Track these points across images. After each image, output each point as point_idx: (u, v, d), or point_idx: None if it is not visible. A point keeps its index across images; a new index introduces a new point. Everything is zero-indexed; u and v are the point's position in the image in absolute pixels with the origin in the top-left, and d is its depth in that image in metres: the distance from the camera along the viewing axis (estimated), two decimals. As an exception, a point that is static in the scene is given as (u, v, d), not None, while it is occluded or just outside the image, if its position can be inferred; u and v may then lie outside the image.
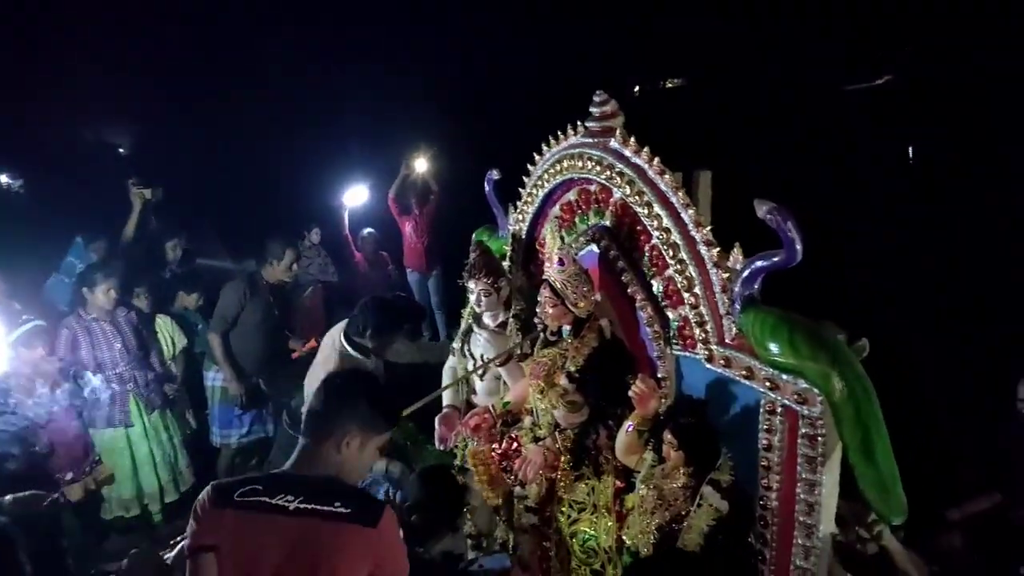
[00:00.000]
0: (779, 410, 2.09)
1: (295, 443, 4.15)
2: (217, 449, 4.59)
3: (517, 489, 3.11)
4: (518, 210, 3.44)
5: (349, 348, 3.57)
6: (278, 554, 1.62)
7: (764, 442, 2.16)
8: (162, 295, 4.76)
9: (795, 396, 2.00)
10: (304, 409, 1.89)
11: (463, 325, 3.64)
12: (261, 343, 4.44)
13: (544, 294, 2.82)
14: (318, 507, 1.64)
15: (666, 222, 2.50)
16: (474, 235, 3.83)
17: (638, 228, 2.74)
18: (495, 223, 3.68)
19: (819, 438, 1.97)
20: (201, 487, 1.72)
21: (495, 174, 3.54)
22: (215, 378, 4.48)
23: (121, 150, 6.06)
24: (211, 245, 5.80)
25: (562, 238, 3.01)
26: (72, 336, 4.08)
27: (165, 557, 1.98)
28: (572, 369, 2.82)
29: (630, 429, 2.53)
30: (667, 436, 2.31)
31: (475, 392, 3.55)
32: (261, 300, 4.39)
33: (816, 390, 1.93)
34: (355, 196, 6.88)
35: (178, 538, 1.93)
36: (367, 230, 6.89)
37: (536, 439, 2.96)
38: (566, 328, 2.92)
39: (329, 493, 1.68)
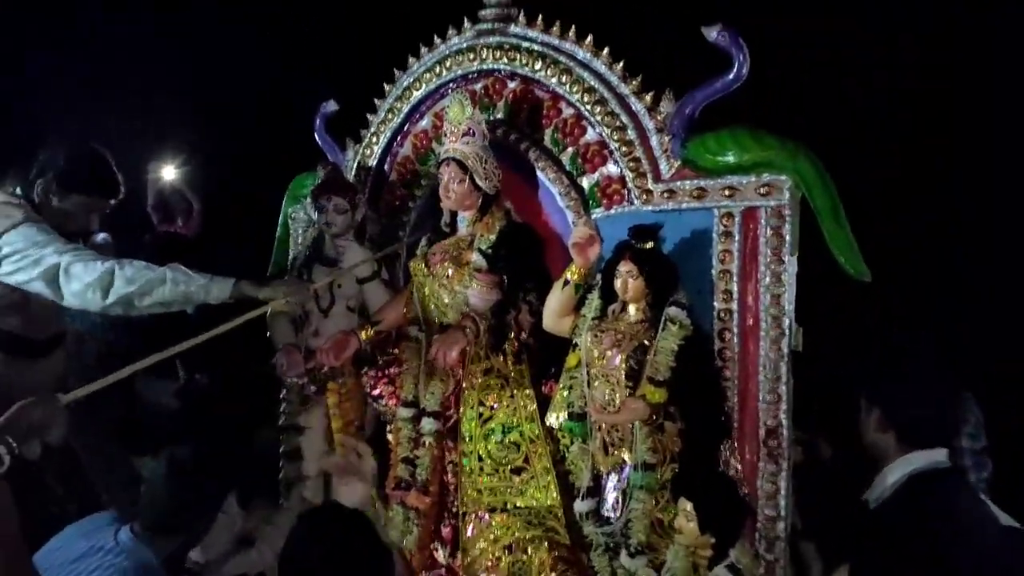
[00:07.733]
0: (737, 217, 2.19)
1: None
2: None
3: (402, 411, 2.73)
4: (371, 133, 3.22)
5: None
6: None
7: (721, 254, 2.22)
8: None
9: (760, 191, 2.12)
10: None
11: (299, 257, 3.18)
12: None
13: (448, 172, 2.62)
14: None
15: (590, 82, 2.55)
16: (294, 183, 3.50)
17: (544, 107, 2.75)
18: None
19: (787, 225, 2.10)
20: None
21: (332, 105, 3.30)
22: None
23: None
24: None
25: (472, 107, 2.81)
26: None
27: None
28: (483, 247, 2.63)
29: (567, 285, 2.40)
30: (623, 267, 2.25)
31: (317, 334, 3.07)
32: None
33: (784, 176, 2.07)
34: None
35: None
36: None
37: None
38: (464, 216, 2.74)
39: None
